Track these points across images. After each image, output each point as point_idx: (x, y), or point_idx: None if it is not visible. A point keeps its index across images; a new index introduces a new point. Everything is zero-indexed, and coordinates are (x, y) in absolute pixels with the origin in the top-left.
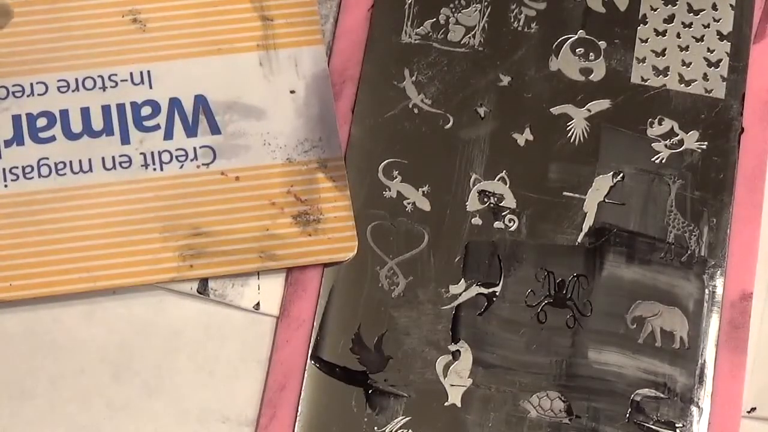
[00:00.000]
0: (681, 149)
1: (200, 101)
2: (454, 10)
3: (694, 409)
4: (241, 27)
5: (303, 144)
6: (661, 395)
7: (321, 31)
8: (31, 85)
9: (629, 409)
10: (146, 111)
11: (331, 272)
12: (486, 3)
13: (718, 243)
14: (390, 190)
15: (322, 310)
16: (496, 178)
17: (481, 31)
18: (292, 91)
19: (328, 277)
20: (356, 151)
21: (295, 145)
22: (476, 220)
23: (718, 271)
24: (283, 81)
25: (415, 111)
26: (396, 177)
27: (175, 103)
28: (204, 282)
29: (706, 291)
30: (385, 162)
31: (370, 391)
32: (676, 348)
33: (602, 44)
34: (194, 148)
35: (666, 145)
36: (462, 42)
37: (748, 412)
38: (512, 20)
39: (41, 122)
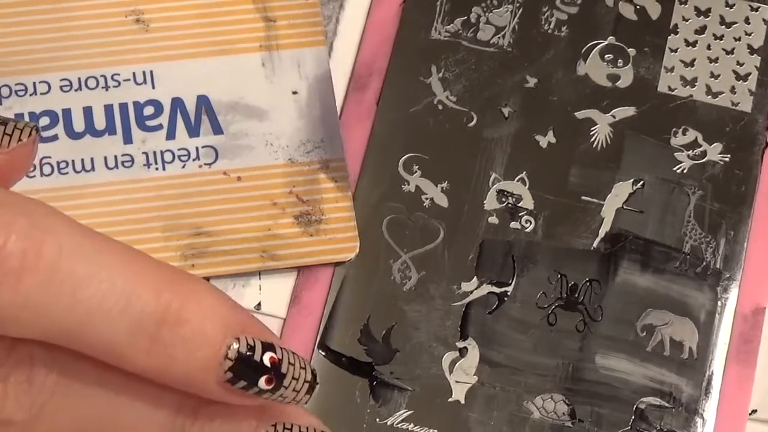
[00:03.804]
0: (703, 160)
1: (203, 101)
2: (485, 9)
3: (698, 420)
4: (243, 28)
5: (305, 145)
6: (666, 404)
7: (324, 32)
8: (34, 84)
9: (633, 417)
10: (149, 111)
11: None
12: (518, 4)
13: (734, 256)
14: (409, 184)
15: (333, 300)
16: (516, 179)
17: (511, 32)
18: (294, 92)
19: (340, 268)
20: (378, 143)
21: (297, 145)
22: (493, 219)
23: (732, 284)
24: (285, 82)
25: (440, 107)
26: (416, 171)
27: (177, 103)
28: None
29: (719, 303)
30: (405, 156)
31: (374, 383)
32: (685, 358)
33: (631, 51)
34: (196, 148)
35: (688, 156)
36: (491, 41)
37: (750, 414)
38: (543, 23)
39: (44, 121)
